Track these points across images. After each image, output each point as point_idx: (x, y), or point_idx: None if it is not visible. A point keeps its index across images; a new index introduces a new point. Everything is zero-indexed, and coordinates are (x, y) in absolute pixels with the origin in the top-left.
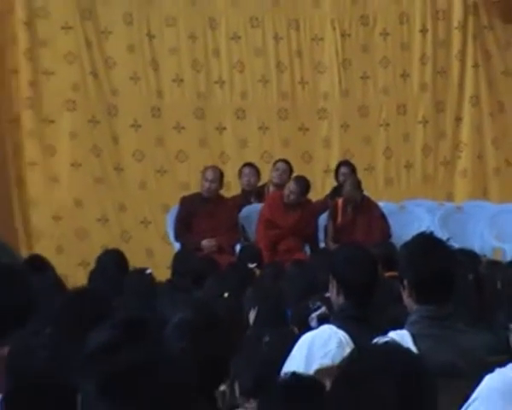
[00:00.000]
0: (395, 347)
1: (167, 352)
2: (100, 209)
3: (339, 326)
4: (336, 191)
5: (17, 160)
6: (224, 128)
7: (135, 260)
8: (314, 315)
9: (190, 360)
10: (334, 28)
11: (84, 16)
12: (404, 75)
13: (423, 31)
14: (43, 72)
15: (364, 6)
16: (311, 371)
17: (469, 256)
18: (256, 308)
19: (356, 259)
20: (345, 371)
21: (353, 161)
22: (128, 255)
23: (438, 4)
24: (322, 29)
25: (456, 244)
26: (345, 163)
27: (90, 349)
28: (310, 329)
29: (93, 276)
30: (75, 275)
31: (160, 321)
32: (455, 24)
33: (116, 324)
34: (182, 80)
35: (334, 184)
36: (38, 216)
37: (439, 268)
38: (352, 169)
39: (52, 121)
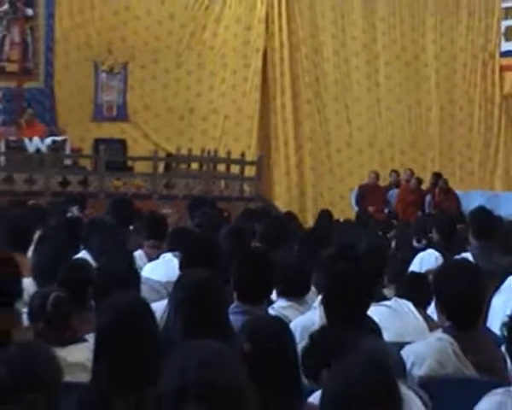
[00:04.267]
0: (467, 260)
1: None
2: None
3: (435, 250)
4: (435, 184)
5: None
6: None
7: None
8: (423, 243)
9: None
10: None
11: None
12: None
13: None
14: None
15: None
16: (423, 271)
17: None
18: (395, 240)
19: (444, 216)
20: (440, 270)
21: (445, 173)
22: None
23: None
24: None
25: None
26: (437, 173)
27: (321, 260)
28: (420, 250)
29: (318, 221)
30: None
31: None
32: None
33: (336, 248)
34: None
35: (432, 181)
36: None
37: (487, 222)
38: (440, 175)
39: None
